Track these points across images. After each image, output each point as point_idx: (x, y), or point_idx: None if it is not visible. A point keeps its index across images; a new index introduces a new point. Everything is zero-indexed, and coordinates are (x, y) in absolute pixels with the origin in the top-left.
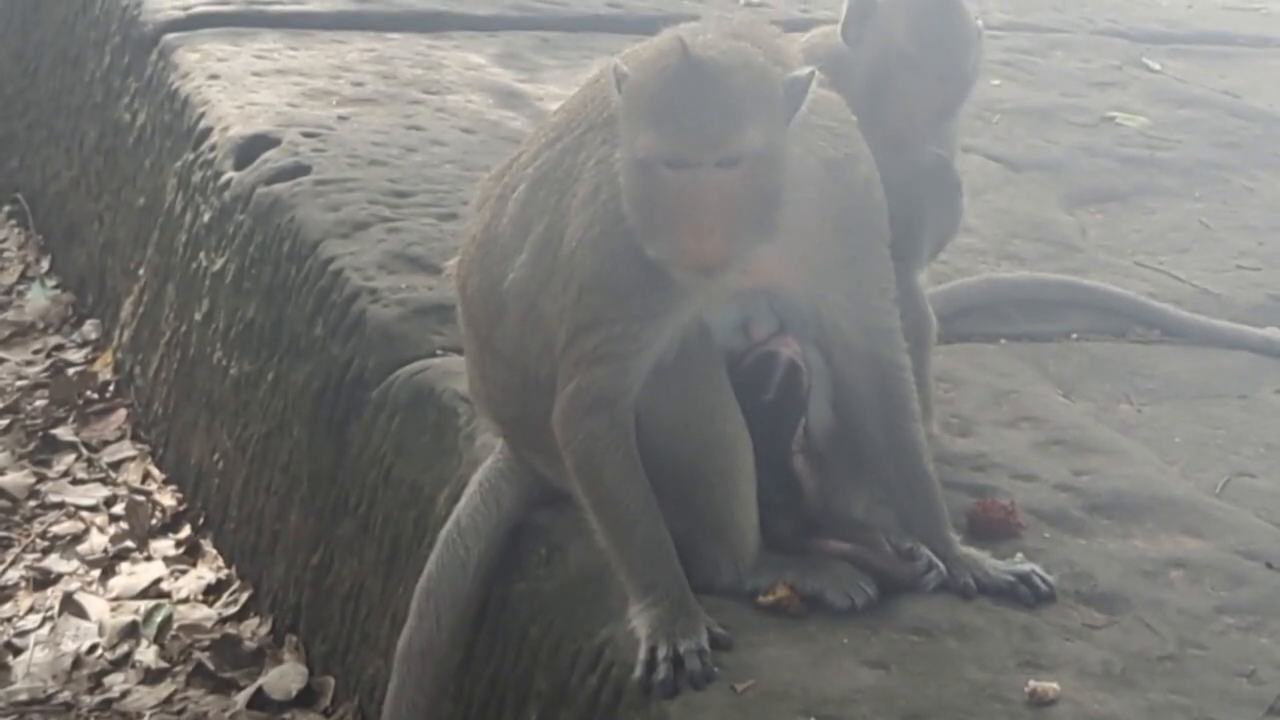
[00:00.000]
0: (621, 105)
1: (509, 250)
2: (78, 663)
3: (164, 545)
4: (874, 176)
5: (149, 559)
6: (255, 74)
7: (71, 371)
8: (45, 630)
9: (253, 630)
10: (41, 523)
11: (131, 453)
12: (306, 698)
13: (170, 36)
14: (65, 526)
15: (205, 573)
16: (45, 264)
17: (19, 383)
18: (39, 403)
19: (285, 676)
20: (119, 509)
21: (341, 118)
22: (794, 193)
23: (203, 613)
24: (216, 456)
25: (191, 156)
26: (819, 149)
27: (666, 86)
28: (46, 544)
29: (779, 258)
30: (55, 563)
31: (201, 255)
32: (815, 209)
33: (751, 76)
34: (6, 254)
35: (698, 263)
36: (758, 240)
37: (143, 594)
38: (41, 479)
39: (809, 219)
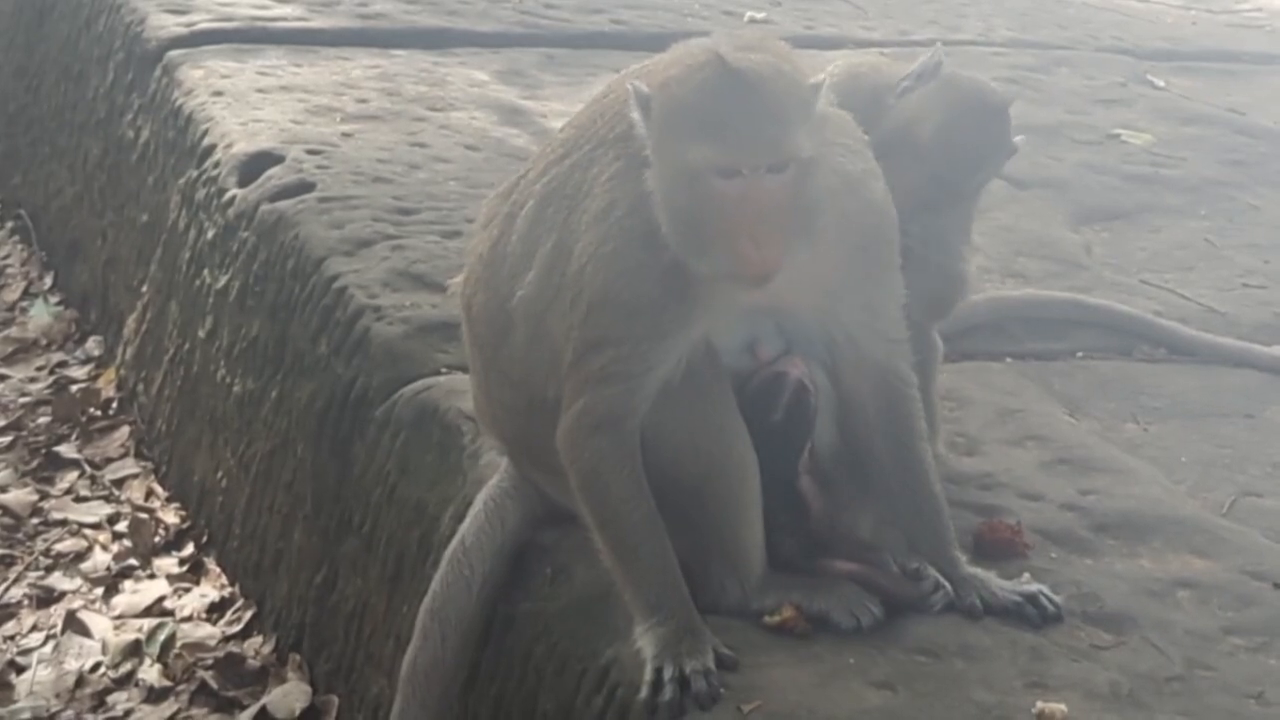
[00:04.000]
0: (657, 124)
1: (517, 268)
2: (81, 681)
3: (167, 563)
4: (888, 193)
5: (152, 577)
6: (259, 91)
7: (74, 389)
8: (48, 648)
9: (256, 649)
10: (44, 540)
11: (134, 470)
12: (310, 717)
13: (174, 53)
14: (68, 544)
15: (208, 591)
16: (48, 280)
17: (22, 400)
18: (42, 420)
19: (289, 695)
20: (122, 527)
21: (345, 135)
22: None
23: (206, 631)
24: (220, 474)
25: (195, 173)
26: (837, 164)
27: (712, 97)
28: (49, 562)
29: (801, 273)
30: (58, 580)
31: (205, 272)
32: (835, 224)
33: (787, 83)
34: (9, 270)
35: (751, 272)
36: (801, 248)
37: (146, 612)
38: (44, 496)
39: (829, 234)
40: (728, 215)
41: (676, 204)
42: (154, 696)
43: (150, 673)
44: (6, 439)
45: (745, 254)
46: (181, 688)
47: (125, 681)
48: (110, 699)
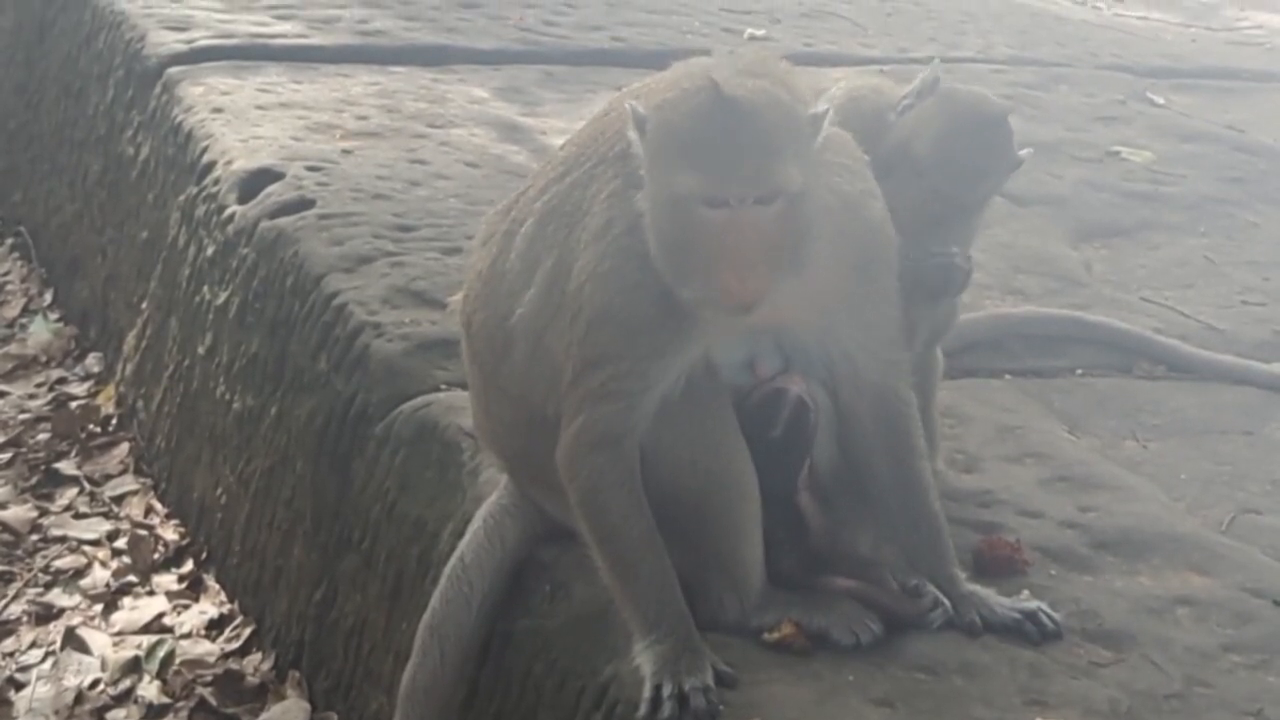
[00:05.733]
0: (650, 146)
1: (516, 286)
2: (80, 698)
3: (166, 580)
4: (886, 213)
5: (151, 594)
6: (259, 108)
7: (74, 405)
8: (47, 665)
9: (255, 666)
10: (44, 557)
11: (134, 487)
12: None
13: (174, 70)
14: (67, 561)
15: (208, 608)
16: (48, 297)
17: (21, 416)
18: (41, 436)
19: (288, 713)
20: (121, 543)
21: (345, 152)
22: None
23: (205, 648)
24: (219, 491)
25: (195, 190)
26: (835, 185)
27: (701, 125)
28: (49, 578)
29: (798, 293)
30: (57, 597)
31: (205, 289)
32: (833, 244)
33: (782, 113)
34: (9, 287)
35: (736, 301)
36: (790, 276)
37: (145, 629)
38: (44, 513)
39: (827, 254)
40: (712, 244)
41: (663, 228)
42: (153, 713)
43: (149, 689)
44: (6, 455)
45: (728, 283)
46: (180, 704)
47: (124, 698)
48: (109, 716)
